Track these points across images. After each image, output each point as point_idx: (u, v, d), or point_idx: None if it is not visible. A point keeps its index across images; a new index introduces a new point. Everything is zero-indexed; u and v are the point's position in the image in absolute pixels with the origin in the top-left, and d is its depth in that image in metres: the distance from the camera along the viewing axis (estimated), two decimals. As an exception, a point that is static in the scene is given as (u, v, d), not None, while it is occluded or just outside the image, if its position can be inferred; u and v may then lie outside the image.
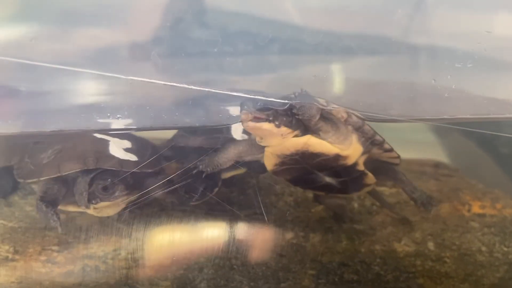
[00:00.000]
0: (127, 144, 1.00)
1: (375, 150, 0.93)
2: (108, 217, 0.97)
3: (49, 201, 0.94)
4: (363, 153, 0.91)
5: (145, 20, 0.90)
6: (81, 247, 0.97)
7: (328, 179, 0.95)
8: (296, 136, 0.86)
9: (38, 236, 0.99)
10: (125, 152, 0.98)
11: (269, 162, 0.93)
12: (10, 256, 0.98)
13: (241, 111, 0.81)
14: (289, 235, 1.05)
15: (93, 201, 0.91)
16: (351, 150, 0.88)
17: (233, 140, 0.97)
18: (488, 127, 1.14)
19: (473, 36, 0.87)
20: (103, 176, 0.93)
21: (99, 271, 0.96)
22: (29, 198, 1.10)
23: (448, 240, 1.07)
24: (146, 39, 0.89)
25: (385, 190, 1.17)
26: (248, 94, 0.86)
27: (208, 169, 0.97)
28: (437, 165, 1.31)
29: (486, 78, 0.93)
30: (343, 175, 0.94)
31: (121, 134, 1.01)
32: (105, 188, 0.92)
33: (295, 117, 0.84)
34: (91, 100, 0.93)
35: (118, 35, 0.91)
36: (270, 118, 0.83)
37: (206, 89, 0.84)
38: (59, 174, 0.94)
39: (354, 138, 0.88)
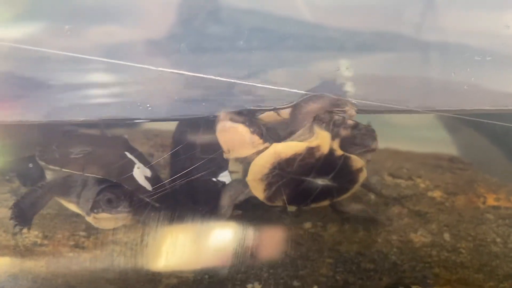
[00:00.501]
0: (148, 173, 1.02)
1: (343, 131, 0.90)
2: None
3: (24, 209, 0.96)
4: (334, 138, 0.89)
5: (161, 16, 0.93)
6: (109, 233, 1.01)
7: (320, 181, 0.94)
8: (264, 149, 0.89)
9: (67, 222, 1.03)
10: (144, 180, 0.99)
11: (259, 192, 0.94)
12: (39, 241, 1.01)
13: None
14: (308, 224, 1.08)
15: (95, 210, 0.93)
16: (319, 138, 0.88)
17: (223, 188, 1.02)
18: (503, 121, 1.15)
19: (492, 32, 0.89)
20: (113, 190, 0.94)
21: (126, 256, 0.99)
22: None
23: (464, 231, 1.09)
24: (162, 36, 0.91)
25: (401, 182, 1.19)
26: (269, 86, 0.89)
27: None
28: (451, 159, 1.33)
29: (504, 72, 0.94)
30: (330, 169, 0.93)
31: (146, 163, 1.04)
32: (109, 201, 0.92)
33: (266, 130, 0.88)
34: (116, 92, 0.96)
35: (135, 32, 0.93)
36: (247, 123, 0.87)
37: (231, 80, 0.86)
38: (81, 173, 0.96)
39: (315, 127, 0.88)
